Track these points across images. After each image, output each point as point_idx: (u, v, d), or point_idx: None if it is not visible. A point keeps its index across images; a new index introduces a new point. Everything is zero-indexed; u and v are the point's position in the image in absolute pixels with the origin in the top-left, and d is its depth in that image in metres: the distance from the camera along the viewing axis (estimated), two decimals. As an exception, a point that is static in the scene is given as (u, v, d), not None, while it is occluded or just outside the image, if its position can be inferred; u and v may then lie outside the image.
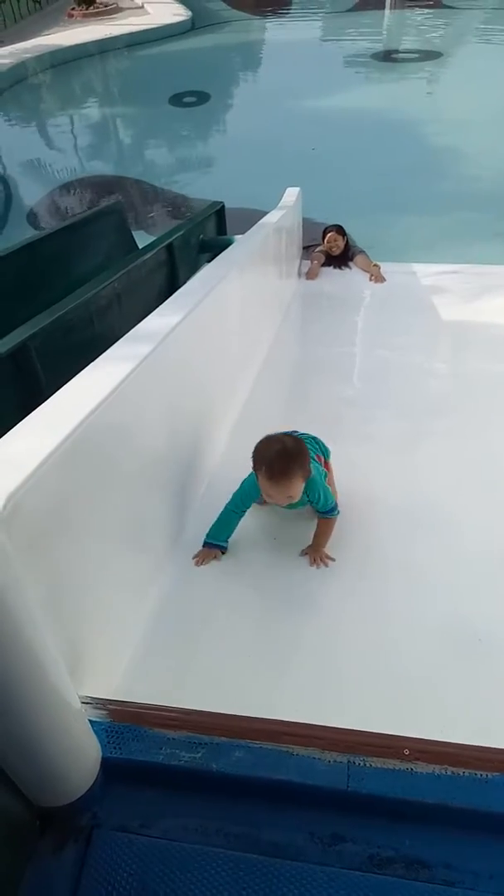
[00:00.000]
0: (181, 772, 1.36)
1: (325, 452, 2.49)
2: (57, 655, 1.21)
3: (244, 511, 2.28)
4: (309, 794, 1.32)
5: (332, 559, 2.25)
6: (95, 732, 1.38)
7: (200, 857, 1.30)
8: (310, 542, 2.31)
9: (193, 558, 2.27)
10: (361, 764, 1.33)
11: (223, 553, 2.28)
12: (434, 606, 2.04)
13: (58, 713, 1.23)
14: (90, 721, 1.38)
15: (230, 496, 2.28)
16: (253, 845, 1.31)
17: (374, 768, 1.32)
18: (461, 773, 1.31)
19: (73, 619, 1.56)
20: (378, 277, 5.02)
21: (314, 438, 2.49)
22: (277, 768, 1.34)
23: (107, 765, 1.36)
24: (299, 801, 1.33)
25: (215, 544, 2.28)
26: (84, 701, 1.43)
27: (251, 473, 2.18)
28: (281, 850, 1.30)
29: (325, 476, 2.35)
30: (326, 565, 2.23)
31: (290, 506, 2.18)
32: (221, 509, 2.28)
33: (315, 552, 2.27)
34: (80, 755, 1.31)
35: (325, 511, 2.25)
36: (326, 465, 2.47)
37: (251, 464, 2.11)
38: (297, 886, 1.26)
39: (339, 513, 2.28)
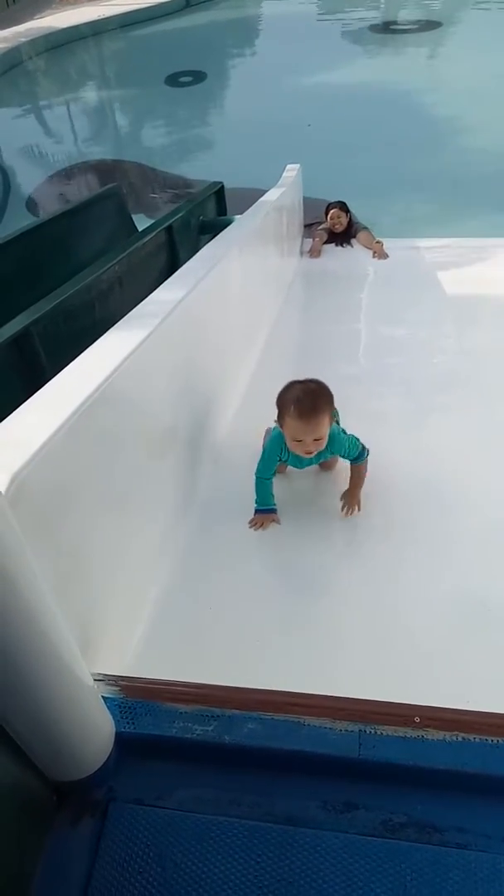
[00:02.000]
0: (194, 744, 1.37)
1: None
2: (68, 634, 1.23)
3: (272, 476, 2.32)
4: (321, 762, 1.34)
5: (359, 510, 2.30)
6: (108, 708, 1.40)
7: (215, 827, 1.32)
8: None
9: (250, 525, 2.30)
10: (373, 732, 1.34)
11: (276, 515, 2.32)
12: (444, 577, 2.05)
13: (70, 690, 1.25)
14: (103, 697, 1.40)
15: (240, 470, 2.29)
16: (267, 814, 1.33)
17: (385, 736, 1.33)
18: (472, 739, 1.32)
19: (83, 597, 1.58)
20: (381, 254, 4.98)
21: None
22: (289, 739, 1.35)
23: (120, 739, 1.38)
24: (312, 770, 1.34)
25: (268, 509, 2.31)
26: (96, 678, 1.45)
27: (271, 435, 2.26)
28: (295, 818, 1.32)
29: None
30: (354, 514, 2.28)
31: (314, 459, 2.20)
32: (230, 486, 2.28)
33: (352, 498, 2.31)
34: (93, 731, 1.33)
35: (355, 457, 2.27)
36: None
37: (274, 416, 2.16)
38: (311, 853, 1.28)
39: (368, 452, 2.28)
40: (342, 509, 2.30)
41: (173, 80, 11.12)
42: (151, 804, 1.37)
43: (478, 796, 1.29)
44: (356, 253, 5.11)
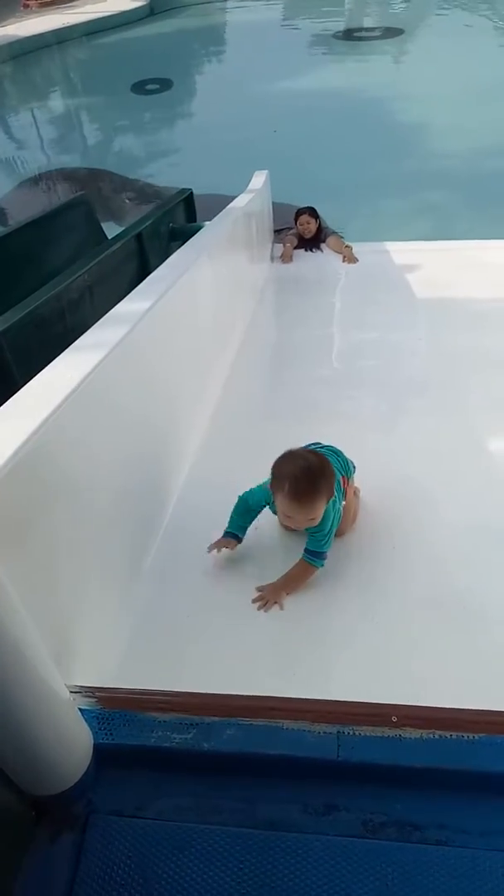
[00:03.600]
0: (173, 753, 1.37)
1: (346, 469, 2.21)
2: (41, 647, 1.21)
3: (255, 511, 2.11)
4: (301, 766, 1.34)
5: (282, 608, 1.95)
6: (86, 720, 1.39)
7: (197, 836, 1.32)
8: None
9: (210, 546, 2.11)
10: (351, 733, 1.35)
11: (238, 542, 2.13)
12: (418, 578, 2.07)
13: (46, 704, 1.23)
14: (80, 709, 1.39)
15: (216, 476, 2.27)
16: (248, 820, 1.33)
17: (363, 737, 1.34)
18: (449, 736, 1.34)
19: (58, 610, 1.56)
20: (350, 258, 5.02)
21: (335, 453, 2.21)
22: (268, 743, 1.35)
23: (99, 751, 1.37)
24: (291, 774, 1.35)
25: (229, 533, 2.12)
26: (73, 690, 1.43)
27: (263, 484, 2.03)
28: (276, 823, 1.32)
29: (341, 505, 2.10)
30: (279, 608, 1.94)
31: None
32: (203, 493, 2.27)
33: (271, 593, 1.97)
34: (71, 744, 1.32)
35: (314, 551, 1.99)
36: (347, 485, 2.18)
37: (270, 479, 1.92)
38: (293, 857, 1.28)
39: (322, 565, 2.00)
40: (255, 599, 1.98)
41: (140, 87, 11.11)
42: (132, 815, 1.36)
43: (456, 793, 1.31)
44: (326, 257, 5.15)
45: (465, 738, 1.33)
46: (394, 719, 1.36)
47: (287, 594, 1.98)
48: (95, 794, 1.36)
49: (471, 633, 1.84)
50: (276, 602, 1.96)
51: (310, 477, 1.83)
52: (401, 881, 1.22)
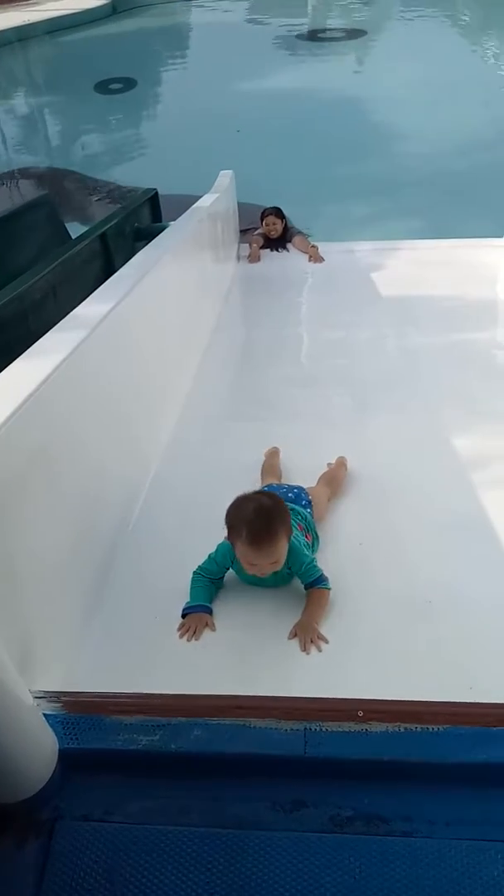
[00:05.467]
0: (140, 755, 1.36)
1: (305, 518, 2.14)
2: (3, 653, 1.20)
3: (216, 579, 2.00)
4: (268, 763, 1.34)
5: (326, 641, 1.82)
6: (51, 725, 1.37)
7: (166, 838, 1.31)
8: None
9: (178, 631, 1.87)
10: (317, 729, 1.36)
11: (211, 615, 1.93)
12: (383, 572, 2.09)
13: (9, 711, 1.22)
14: (45, 715, 1.37)
15: (184, 480, 2.26)
16: (217, 820, 1.32)
17: (329, 732, 1.35)
18: (414, 729, 1.35)
19: (20, 615, 1.54)
20: (316, 258, 5.05)
21: (294, 495, 2.21)
22: (235, 742, 1.35)
23: (65, 756, 1.36)
24: (259, 772, 1.35)
25: (199, 605, 1.92)
26: (37, 696, 1.41)
27: (220, 546, 1.97)
28: (245, 821, 1.32)
29: (308, 546, 2.05)
30: (319, 649, 1.79)
31: (273, 580, 1.95)
32: (171, 494, 2.25)
33: (304, 631, 1.83)
34: (35, 750, 1.30)
35: (312, 581, 1.94)
36: (306, 533, 2.11)
37: (225, 531, 1.88)
38: (262, 855, 1.28)
39: (330, 585, 1.95)
40: (301, 649, 1.81)
41: (103, 87, 11.02)
42: (99, 819, 1.34)
43: (421, 784, 1.32)
44: (292, 257, 5.17)
45: (430, 729, 1.35)
46: (360, 714, 1.37)
47: (317, 625, 1.87)
48: (62, 800, 1.35)
49: (434, 626, 1.87)
50: (315, 637, 1.83)
51: (265, 518, 1.79)
52: (369, 873, 1.23)
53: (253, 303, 4.73)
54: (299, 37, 12.96)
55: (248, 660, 1.80)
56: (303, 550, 1.96)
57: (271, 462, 2.60)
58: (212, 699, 1.44)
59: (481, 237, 4.96)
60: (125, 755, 1.36)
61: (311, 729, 1.36)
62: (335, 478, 2.47)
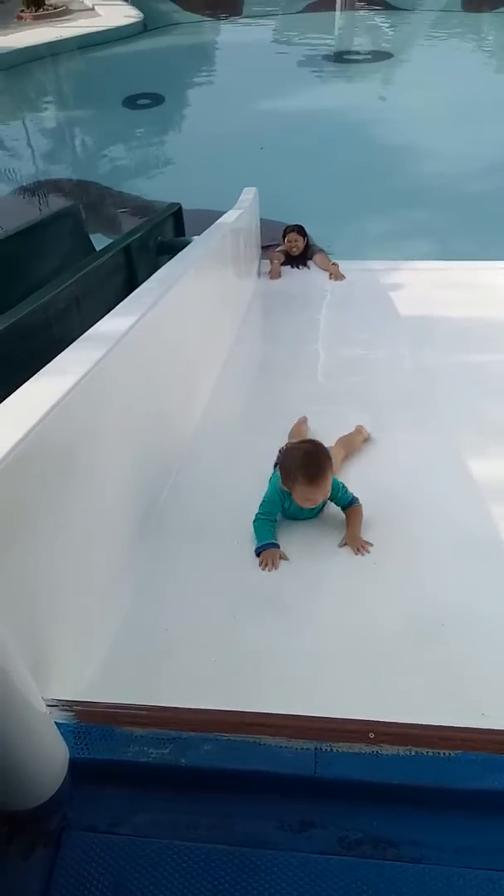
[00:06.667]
0: (150, 768, 1.36)
1: None
2: (18, 659, 1.21)
3: (275, 519, 2.35)
4: (278, 782, 1.34)
5: (371, 544, 2.28)
6: (62, 734, 1.37)
7: (173, 852, 1.31)
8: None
9: (260, 566, 2.21)
10: (328, 749, 1.35)
11: (279, 549, 2.27)
12: (397, 594, 2.08)
13: (22, 718, 1.22)
14: (57, 723, 1.38)
15: (198, 493, 2.37)
16: (225, 837, 1.32)
17: (340, 753, 1.35)
18: (425, 753, 1.35)
19: (35, 622, 1.55)
20: (337, 275, 5.08)
21: None
22: (246, 759, 1.35)
23: (75, 766, 1.36)
24: (268, 790, 1.35)
25: (271, 543, 2.27)
26: (50, 704, 1.42)
27: (272, 483, 2.38)
28: (252, 839, 1.31)
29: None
30: (368, 551, 2.25)
31: (311, 512, 2.37)
32: (187, 506, 2.28)
33: (354, 542, 2.28)
34: (46, 758, 1.31)
35: (347, 503, 2.36)
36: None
37: (281, 475, 2.28)
38: (269, 874, 1.27)
39: (359, 500, 2.37)
40: (354, 553, 2.25)
41: (131, 102, 11.19)
42: (107, 831, 1.34)
43: (431, 809, 1.31)
44: (313, 274, 5.20)
45: (442, 754, 1.34)
46: (371, 736, 1.37)
47: (360, 534, 2.30)
48: (70, 810, 1.35)
49: (449, 649, 1.85)
50: (362, 544, 2.27)
51: (315, 461, 2.21)
52: (376, 898, 1.22)
53: (272, 319, 4.76)
54: (326, 57, 13.09)
55: (260, 675, 1.80)
56: (337, 483, 2.34)
57: (300, 429, 2.98)
58: (223, 714, 1.44)
59: (501, 260, 4.97)
60: (135, 767, 1.37)
61: (321, 749, 1.36)
62: (351, 441, 2.85)
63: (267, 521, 2.33)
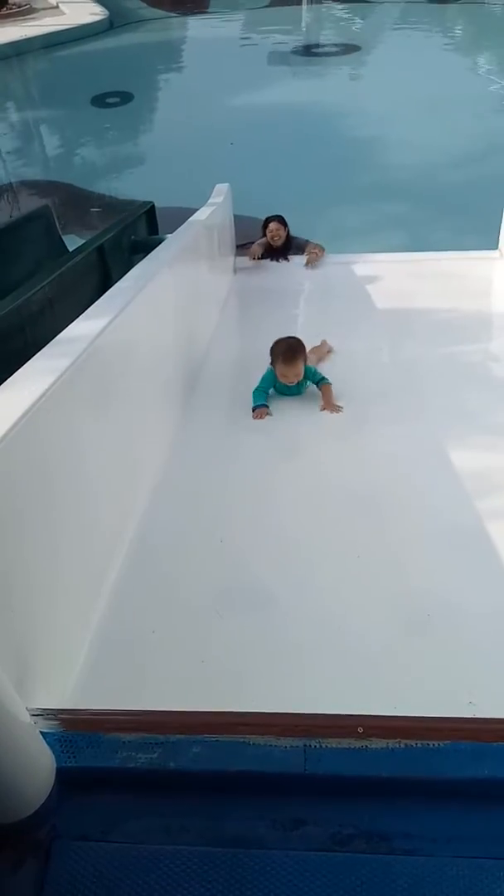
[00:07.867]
0: (139, 773, 1.34)
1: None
2: (0, 670, 1.18)
3: (268, 391, 3.36)
4: (268, 781, 1.33)
5: (341, 407, 3.23)
6: (48, 743, 1.35)
7: (165, 857, 1.29)
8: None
9: (254, 417, 3.20)
10: (317, 746, 1.34)
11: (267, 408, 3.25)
12: (383, 585, 2.08)
13: (6, 729, 1.20)
14: (42, 733, 1.35)
15: (179, 499, 2.45)
16: (217, 839, 1.31)
17: (329, 749, 1.34)
18: (413, 745, 1.34)
19: (16, 631, 1.53)
20: (311, 260, 5.05)
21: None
22: (235, 759, 1.34)
23: (62, 775, 1.34)
24: (259, 790, 1.33)
25: (262, 405, 3.26)
26: (34, 713, 1.40)
27: (266, 372, 3.37)
28: (244, 840, 1.30)
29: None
30: (340, 411, 3.20)
31: (296, 388, 3.33)
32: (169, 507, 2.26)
33: (329, 406, 3.25)
34: (32, 768, 1.28)
35: (320, 380, 3.35)
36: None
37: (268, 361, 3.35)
38: (262, 874, 1.26)
39: (329, 381, 3.33)
40: (331, 412, 3.20)
41: (100, 100, 11.09)
42: (98, 839, 1.32)
43: (422, 801, 1.31)
44: (290, 268, 5.19)
45: (430, 745, 1.34)
46: (360, 730, 1.36)
47: (334, 401, 3.28)
48: (59, 820, 1.33)
49: (433, 639, 1.86)
50: (336, 408, 3.25)
51: (291, 349, 3.26)
52: (371, 893, 1.22)
53: (250, 314, 4.75)
54: (294, 52, 13.08)
55: (246, 674, 1.79)
56: (310, 368, 3.37)
57: (320, 350, 3.86)
58: (210, 716, 1.43)
59: (474, 249, 5.00)
60: (123, 773, 1.35)
61: (310, 746, 1.35)
62: (319, 349, 3.81)
63: (261, 391, 3.31)
